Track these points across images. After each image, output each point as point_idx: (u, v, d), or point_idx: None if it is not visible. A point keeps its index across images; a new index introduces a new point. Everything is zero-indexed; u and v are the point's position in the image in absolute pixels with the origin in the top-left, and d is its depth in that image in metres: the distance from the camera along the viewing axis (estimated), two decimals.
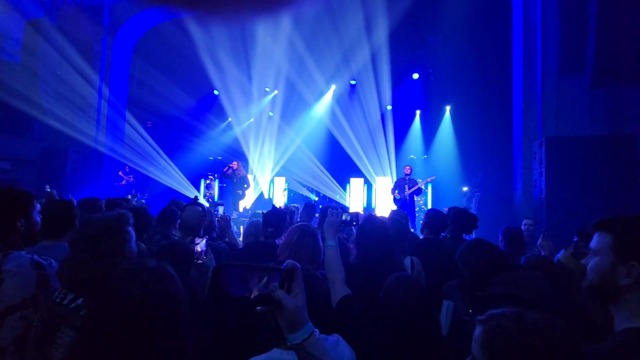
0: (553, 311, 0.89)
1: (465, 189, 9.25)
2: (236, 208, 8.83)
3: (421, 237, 3.41)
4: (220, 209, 4.74)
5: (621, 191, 5.47)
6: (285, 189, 10.42)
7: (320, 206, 4.92)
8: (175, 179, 10.27)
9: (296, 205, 5.66)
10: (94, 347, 0.85)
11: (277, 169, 11.15)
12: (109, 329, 0.86)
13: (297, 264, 0.81)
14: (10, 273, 1.50)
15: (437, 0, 8.45)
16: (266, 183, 10.97)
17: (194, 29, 8.90)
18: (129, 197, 5.52)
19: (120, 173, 9.89)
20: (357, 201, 10.46)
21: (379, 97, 10.02)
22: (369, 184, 10.58)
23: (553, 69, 6.76)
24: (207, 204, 6.08)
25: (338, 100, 10.99)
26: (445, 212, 3.31)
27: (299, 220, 3.76)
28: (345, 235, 3.34)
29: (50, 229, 2.02)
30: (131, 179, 9.92)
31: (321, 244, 1.98)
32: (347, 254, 2.17)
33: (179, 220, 3.17)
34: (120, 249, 1.47)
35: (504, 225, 3.19)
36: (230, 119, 11.61)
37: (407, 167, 8.23)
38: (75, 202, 3.38)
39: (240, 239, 3.90)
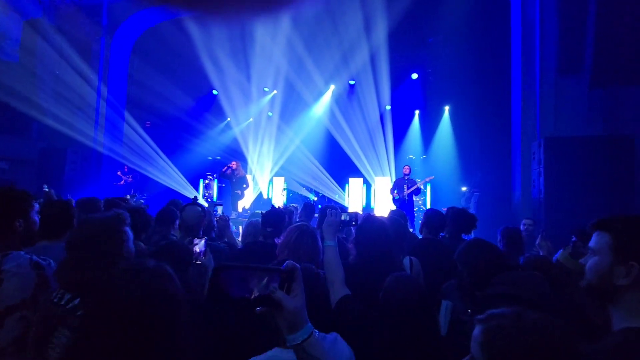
0: (552, 311, 0.89)
1: (464, 189, 9.26)
2: (235, 208, 8.82)
3: (420, 237, 3.41)
4: (219, 209, 4.75)
5: (619, 191, 5.49)
6: (284, 189, 10.42)
7: (320, 206, 4.93)
8: (174, 179, 10.26)
9: (295, 205, 5.66)
10: (93, 347, 0.85)
11: (276, 169, 11.14)
12: (108, 329, 0.86)
13: (297, 265, 0.81)
14: (10, 273, 1.50)
15: (436, 0, 8.46)
16: (265, 183, 10.97)
17: (193, 29, 8.89)
18: (128, 197, 5.52)
19: (119, 173, 9.87)
20: (356, 201, 10.47)
21: (378, 97, 10.03)
22: (368, 184, 10.59)
23: (551, 69, 6.77)
24: (206, 204, 6.08)
25: (337, 100, 10.99)
26: (444, 212, 3.32)
27: (298, 220, 3.75)
28: (344, 235, 3.34)
29: (48, 229, 2.02)
30: (130, 179, 9.90)
31: (320, 243, 1.98)
32: (346, 254, 2.17)
33: (177, 221, 3.16)
34: (117, 249, 1.47)
35: (502, 225, 3.20)
36: (229, 119, 11.60)
37: (406, 167, 8.24)
38: (73, 202, 3.37)
39: (239, 239, 3.90)
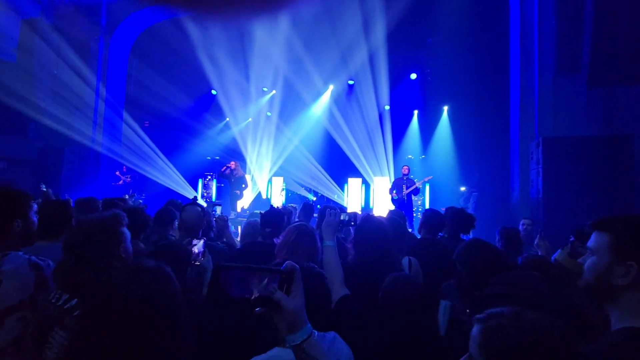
0: (550, 311, 0.89)
1: (462, 188, 9.28)
2: (234, 208, 8.81)
3: (419, 237, 3.41)
4: (218, 209, 4.74)
5: (617, 191, 5.51)
6: (283, 189, 10.41)
7: (319, 206, 4.93)
8: (172, 179, 10.24)
9: (294, 205, 5.66)
10: (92, 347, 0.85)
11: (275, 169, 11.14)
12: (108, 329, 0.86)
13: (296, 266, 0.81)
14: (9, 274, 1.50)
15: (434, 1, 8.47)
16: (264, 183, 10.96)
17: (192, 29, 8.88)
18: (126, 197, 5.51)
19: (117, 173, 9.85)
20: (355, 201, 10.47)
21: (376, 97, 10.03)
22: (366, 184, 10.59)
23: (550, 69, 6.79)
24: (204, 204, 6.08)
25: (336, 100, 11.00)
26: (442, 212, 3.32)
27: (297, 220, 3.75)
28: (343, 236, 3.34)
29: (46, 229, 2.01)
30: (128, 179, 9.88)
31: (319, 243, 1.98)
32: (345, 254, 2.17)
33: (176, 221, 3.16)
34: (114, 250, 1.46)
35: (501, 225, 3.21)
36: (228, 119, 11.59)
37: (405, 167, 8.24)
38: (72, 202, 3.37)
39: (238, 239, 3.90)
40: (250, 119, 11.54)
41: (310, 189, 10.58)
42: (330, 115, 10.84)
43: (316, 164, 10.90)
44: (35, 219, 1.81)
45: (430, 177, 8.48)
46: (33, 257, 1.59)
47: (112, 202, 3.30)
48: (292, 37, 8.93)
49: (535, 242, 2.98)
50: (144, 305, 0.88)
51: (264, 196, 10.70)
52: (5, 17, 8.17)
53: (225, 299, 0.77)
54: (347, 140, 10.46)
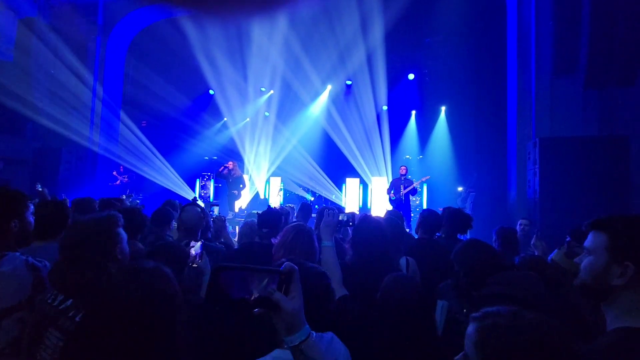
0: (547, 311, 0.89)
1: (460, 189, 9.30)
2: (232, 208, 8.80)
3: (416, 237, 3.42)
4: (216, 209, 4.74)
5: (614, 191, 5.53)
6: (281, 189, 10.41)
7: (317, 206, 4.93)
8: (170, 179, 10.22)
9: (292, 205, 5.66)
10: (93, 347, 0.85)
11: (272, 169, 11.13)
12: (108, 329, 0.86)
13: (295, 267, 0.81)
14: (6, 275, 1.49)
15: (432, 1, 8.49)
16: (262, 183, 10.95)
17: (189, 28, 8.86)
18: (124, 197, 5.50)
19: (114, 173, 9.82)
20: (352, 201, 10.47)
21: (374, 98, 10.04)
22: (364, 184, 10.60)
23: (547, 70, 6.81)
24: (202, 204, 6.06)
25: (334, 100, 11.00)
26: (440, 212, 3.33)
27: (294, 220, 3.75)
28: (341, 236, 3.34)
29: (43, 229, 2.00)
30: (125, 179, 9.85)
31: (317, 243, 1.98)
32: (343, 255, 2.17)
33: (173, 221, 3.15)
34: (110, 251, 1.46)
35: (498, 225, 3.22)
36: (225, 119, 11.57)
37: (403, 167, 8.25)
38: (68, 202, 3.35)
39: (236, 239, 3.89)
40: (248, 119, 11.53)
41: (308, 189, 10.58)
42: (328, 116, 10.85)
43: (314, 164, 10.90)
44: (31, 219, 1.81)
45: (427, 177, 8.49)
46: (30, 258, 1.58)
47: (109, 202, 3.30)
48: (290, 37, 8.93)
49: (532, 242, 3.00)
50: (144, 305, 0.89)
51: (262, 196, 10.68)
52: (2, 16, 8.13)
53: (224, 300, 0.77)
54: (345, 140, 10.46)
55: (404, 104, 10.74)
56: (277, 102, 11.19)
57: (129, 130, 9.93)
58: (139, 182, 10.05)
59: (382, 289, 1.57)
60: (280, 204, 8.74)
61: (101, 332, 0.86)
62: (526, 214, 6.14)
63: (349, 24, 8.58)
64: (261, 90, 11.27)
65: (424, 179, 8.47)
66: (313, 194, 10.43)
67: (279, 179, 10.84)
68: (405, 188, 7.90)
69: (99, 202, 3.34)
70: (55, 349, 1.24)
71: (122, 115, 9.97)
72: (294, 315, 0.78)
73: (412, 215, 8.31)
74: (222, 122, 11.70)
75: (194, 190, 10.72)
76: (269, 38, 9.08)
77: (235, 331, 1.46)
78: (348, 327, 1.38)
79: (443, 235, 3.21)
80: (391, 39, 8.87)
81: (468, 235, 3.33)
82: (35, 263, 1.57)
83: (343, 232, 3.46)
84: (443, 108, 10.57)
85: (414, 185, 7.98)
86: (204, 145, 11.27)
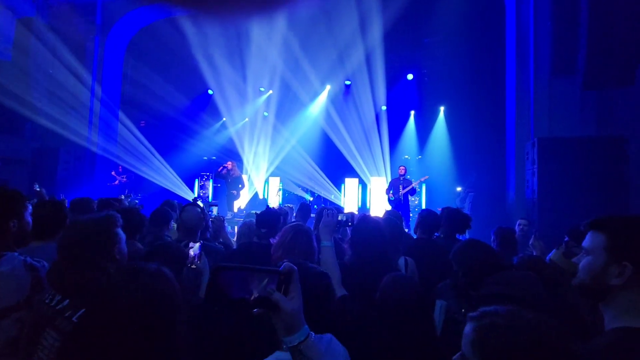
0: (545, 311, 0.89)
1: (458, 189, 9.31)
2: (230, 208, 8.79)
3: (415, 237, 3.42)
4: (214, 210, 4.72)
5: (611, 191, 5.56)
6: (280, 189, 10.40)
7: (316, 206, 4.93)
8: (169, 179, 10.20)
9: (290, 205, 5.66)
10: (91, 347, 0.85)
11: (271, 169, 11.12)
12: (107, 329, 0.86)
13: (294, 267, 0.81)
14: (5, 275, 1.49)
15: (431, 1, 8.50)
16: (261, 183, 10.95)
17: (188, 28, 8.85)
18: (122, 197, 5.49)
19: (113, 173, 9.80)
20: (351, 201, 10.48)
21: (373, 98, 10.05)
22: (363, 184, 10.60)
23: (545, 70, 6.83)
24: (201, 204, 6.05)
25: (333, 100, 11.00)
26: (438, 212, 3.33)
27: (293, 220, 3.75)
28: (340, 236, 3.34)
29: (41, 229, 2.00)
30: (124, 179, 9.84)
31: (315, 243, 1.98)
32: (342, 255, 2.17)
33: (172, 221, 3.15)
34: (108, 251, 1.46)
35: (496, 225, 3.22)
36: (224, 119, 11.57)
37: (402, 167, 8.26)
38: (67, 202, 3.35)
39: (235, 239, 3.89)
40: (247, 119, 11.52)
41: (307, 189, 10.58)
42: (327, 116, 10.85)
43: (313, 164, 10.90)
44: (29, 219, 1.80)
45: (426, 177, 8.50)
46: (29, 259, 1.58)
47: (108, 202, 3.29)
48: (289, 37, 8.93)
49: (530, 242, 3.00)
50: (144, 306, 0.89)
51: (260, 196, 10.68)
52: (0, 16, 8.10)
53: (224, 300, 0.77)
54: (344, 140, 10.47)
55: (403, 104, 10.75)
56: (276, 102, 11.19)
57: (128, 130, 9.91)
58: (137, 182, 10.03)
59: (380, 289, 1.57)
60: (279, 204, 8.74)
61: (101, 333, 0.86)
62: (525, 214, 6.15)
63: (348, 24, 8.58)
64: (260, 90, 11.26)
65: (422, 179, 8.48)
66: (312, 194, 10.43)
67: (277, 179, 10.84)
68: (404, 188, 7.91)
69: (97, 202, 3.33)
70: (51, 349, 1.23)
71: (121, 115, 9.95)
72: (293, 315, 0.78)
73: (410, 215, 8.32)
74: (221, 122, 11.69)
75: (192, 190, 10.71)
76: (268, 38, 9.08)
77: (234, 331, 1.46)
78: (347, 327, 1.38)
79: (442, 235, 3.21)
80: (390, 39, 8.88)
81: (467, 235, 3.34)
82: (33, 263, 1.57)
83: (342, 232, 3.46)
84: (442, 108, 10.59)
85: (413, 185, 7.99)
86: (203, 145, 11.26)
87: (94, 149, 9.38)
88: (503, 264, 1.92)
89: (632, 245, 1.04)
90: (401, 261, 2.30)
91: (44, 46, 8.77)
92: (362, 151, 10.43)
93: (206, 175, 10.88)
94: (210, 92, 11.14)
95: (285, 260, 0.84)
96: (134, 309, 0.88)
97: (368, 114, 10.27)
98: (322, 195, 10.41)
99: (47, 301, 1.34)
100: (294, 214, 4.43)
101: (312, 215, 4.60)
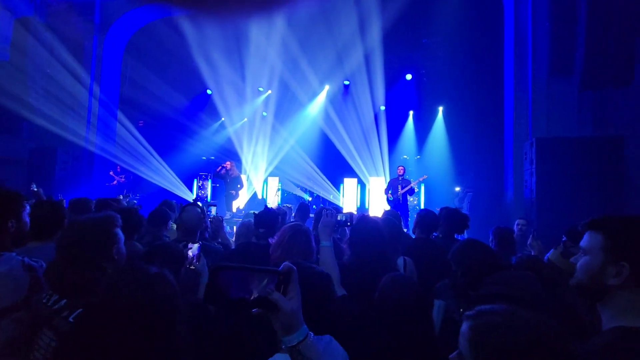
0: (544, 310, 0.89)
1: (457, 189, 9.33)
2: (229, 208, 8.79)
3: (414, 237, 3.42)
4: (213, 210, 4.72)
5: (609, 191, 5.58)
6: (278, 189, 10.40)
7: (314, 206, 4.93)
8: (167, 179, 10.18)
9: (289, 205, 5.66)
10: (90, 347, 0.85)
11: (270, 169, 11.12)
12: (106, 329, 0.86)
13: (293, 267, 0.81)
14: (3, 275, 1.49)
15: (430, 2, 8.51)
16: (260, 183, 10.94)
17: (187, 28, 8.84)
18: (120, 197, 5.48)
19: (111, 173, 9.77)
20: (350, 201, 10.48)
21: (372, 98, 10.05)
22: (362, 184, 10.61)
23: (543, 71, 6.85)
24: (200, 205, 6.05)
25: (332, 100, 11.00)
26: (437, 212, 3.33)
27: (292, 221, 3.75)
28: (338, 236, 3.34)
29: (39, 230, 1.99)
30: (122, 179, 9.81)
31: (314, 243, 1.98)
32: (341, 255, 2.17)
33: (170, 222, 3.15)
34: (107, 251, 1.45)
35: (495, 225, 3.22)
36: (223, 119, 11.56)
37: (400, 167, 8.27)
38: (65, 202, 3.34)
39: (233, 239, 3.89)
40: (245, 119, 11.51)
41: (306, 189, 10.58)
42: (326, 116, 10.85)
43: (312, 164, 10.90)
44: (27, 219, 1.80)
45: (425, 177, 8.51)
46: (27, 259, 1.58)
47: (106, 202, 3.28)
48: (287, 37, 8.93)
49: (528, 242, 3.01)
50: (144, 306, 0.89)
51: (259, 196, 10.67)
52: None
53: (223, 300, 0.77)
54: (343, 140, 10.47)
55: (402, 104, 10.77)
56: (275, 102, 11.18)
57: (126, 130, 9.88)
58: (136, 182, 10.01)
59: (379, 289, 1.57)
60: (278, 204, 8.74)
61: (100, 333, 0.86)
62: (523, 213, 6.16)
63: (347, 25, 8.59)
64: (259, 90, 11.25)
65: (421, 179, 8.49)
66: (311, 194, 10.43)
67: (276, 179, 10.83)
68: (402, 188, 7.92)
69: (95, 203, 3.32)
70: (47, 349, 1.23)
71: (119, 115, 9.93)
72: (292, 315, 0.78)
73: (409, 215, 8.33)
74: (220, 122, 11.68)
75: (191, 190, 10.69)
76: (266, 38, 9.07)
77: (234, 331, 1.46)
78: (346, 327, 1.38)
79: (440, 235, 3.22)
80: (389, 40, 8.89)
81: (465, 235, 3.34)
82: (31, 263, 1.57)
83: (341, 232, 3.46)
84: (440, 108, 10.60)
85: (412, 185, 7.99)
86: (202, 145, 11.25)
87: (92, 148, 9.36)
88: (501, 263, 1.92)
89: (630, 245, 1.04)
90: (400, 261, 2.30)
91: (42, 46, 8.75)
92: (361, 151, 10.43)
93: (205, 175, 10.87)
94: (209, 92, 11.13)
95: (287, 263, 0.84)
96: (134, 309, 0.88)
97: (367, 114, 10.27)
98: (321, 195, 10.41)
99: (44, 301, 1.33)
100: (293, 214, 4.43)
101: (311, 215, 4.59)
